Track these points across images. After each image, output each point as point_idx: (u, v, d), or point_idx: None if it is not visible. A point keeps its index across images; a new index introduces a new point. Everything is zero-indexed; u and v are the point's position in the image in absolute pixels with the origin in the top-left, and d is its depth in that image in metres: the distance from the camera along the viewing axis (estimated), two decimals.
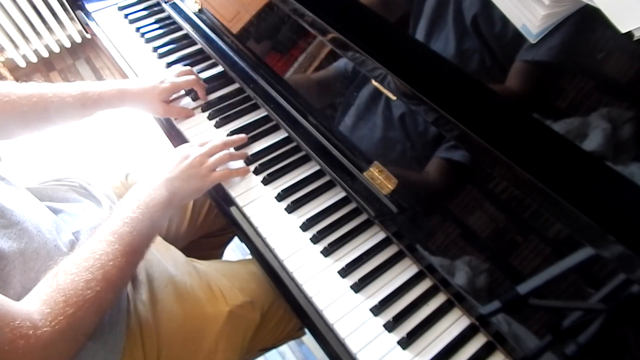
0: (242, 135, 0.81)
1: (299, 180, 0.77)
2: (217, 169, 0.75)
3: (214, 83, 0.93)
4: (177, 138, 0.87)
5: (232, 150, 0.80)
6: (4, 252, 0.53)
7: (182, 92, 0.91)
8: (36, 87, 0.74)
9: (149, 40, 1.03)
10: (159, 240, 0.81)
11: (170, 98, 0.88)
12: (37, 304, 0.50)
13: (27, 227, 0.58)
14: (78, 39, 2.24)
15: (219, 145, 0.77)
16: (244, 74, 0.85)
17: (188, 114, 0.88)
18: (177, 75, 0.87)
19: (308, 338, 1.09)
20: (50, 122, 0.76)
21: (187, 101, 0.91)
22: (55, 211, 0.69)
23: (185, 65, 0.97)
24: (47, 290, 0.51)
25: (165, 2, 1.03)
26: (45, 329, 0.48)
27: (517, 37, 0.55)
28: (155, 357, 0.67)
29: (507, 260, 0.56)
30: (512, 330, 0.55)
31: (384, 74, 0.67)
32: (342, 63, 0.73)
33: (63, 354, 0.51)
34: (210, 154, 0.75)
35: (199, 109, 0.89)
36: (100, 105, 0.79)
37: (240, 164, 0.80)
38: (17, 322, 0.46)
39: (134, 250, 0.59)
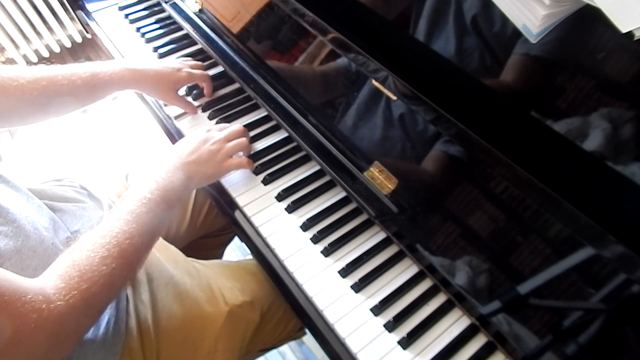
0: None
1: (299, 180, 0.77)
2: (234, 156, 0.75)
3: (214, 83, 0.93)
4: (177, 138, 0.87)
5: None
6: (0, 250, 0.53)
7: (183, 91, 0.91)
8: (45, 70, 0.72)
9: (149, 40, 1.03)
10: (159, 239, 0.81)
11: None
12: (53, 279, 0.50)
13: (24, 225, 0.58)
14: (78, 39, 2.24)
15: (238, 131, 0.77)
16: (244, 73, 0.85)
17: (194, 110, 0.88)
18: (192, 67, 0.87)
19: (308, 338, 1.08)
20: (63, 107, 0.75)
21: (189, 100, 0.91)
22: (55, 210, 0.69)
23: None
24: (63, 266, 0.52)
25: (166, 2, 1.03)
26: (58, 303, 0.48)
27: (518, 37, 0.55)
28: (155, 357, 0.67)
29: (507, 260, 0.56)
30: (513, 330, 0.55)
31: (385, 74, 0.67)
32: (343, 63, 0.73)
33: (76, 328, 0.51)
34: (229, 139, 0.75)
35: (200, 109, 0.89)
36: (111, 86, 0.78)
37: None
38: (29, 296, 0.46)
39: (150, 230, 0.60)
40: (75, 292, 0.49)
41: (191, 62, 0.89)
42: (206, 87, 0.89)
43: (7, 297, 0.44)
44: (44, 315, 0.46)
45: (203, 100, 0.90)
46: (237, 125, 0.79)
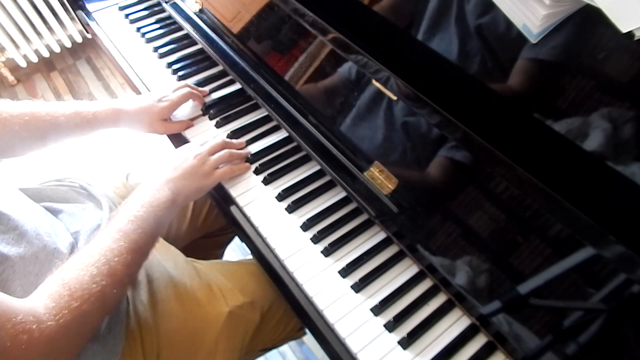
0: (242, 141, 0.82)
1: (300, 180, 0.77)
2: (219, 167, 0.75)
3: (214, 83, 0.93)
4: (177, 138, 0.87)
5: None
6: (3, 256, 0.53)
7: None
8: (29, 106, 0.72)
9: (149, 40, 1.03)
10: (158, 242, 0.81)
11: (171, 115, 0.86)
12: (43, 299, 0.50)
13: (26, 231, 0.58)
14: (79, 39, 2.24)
15: (219, 144, 0.77)
16: (245, 74, 0.85)
17: (188, 125, 0.87)
18: (173, 91, 0.86)
19: (309, 338, 1.09)
20: (44, 142, 0.75)
21: (194, 103, 0.91)
22: (55, 211, 0.69)
23: (185, 65, 0.97)
24: (52, 285, 0.51)
25: (166, 2, 1.03)
26: (49, 323, 0.47)
27: (519, 38, 0.55)
28: (155, 358, 0.67)
29: (507, 260, 0.56)
30: (513, 330, 0.55)
31: (385, 74, 0.67)
32: (343, 63, 0.73)
33: (68, 348, 0.51)
34: (211, 152, 0.75)
35: (200, 111, 0.89)
36: (94, 125, 0.78)
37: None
38: (19, 317, 0.45)
39: (139, 247, 0.60)
40: (66, 312, 0.49)
41: (173, 86, 0.88)
42: (195, 100, 0.88)
43: None
44: (34, 336, 0.46)
45: (199, 106, 0.90)
46: (219, 138, 0.79)
